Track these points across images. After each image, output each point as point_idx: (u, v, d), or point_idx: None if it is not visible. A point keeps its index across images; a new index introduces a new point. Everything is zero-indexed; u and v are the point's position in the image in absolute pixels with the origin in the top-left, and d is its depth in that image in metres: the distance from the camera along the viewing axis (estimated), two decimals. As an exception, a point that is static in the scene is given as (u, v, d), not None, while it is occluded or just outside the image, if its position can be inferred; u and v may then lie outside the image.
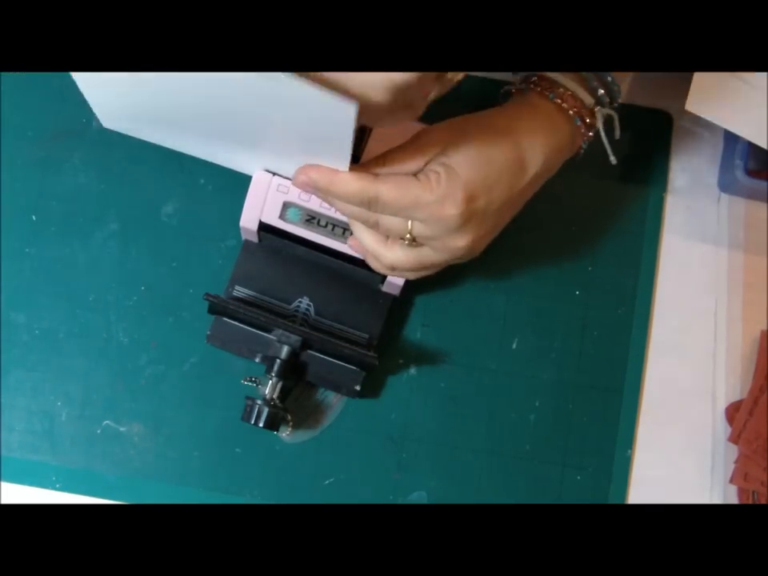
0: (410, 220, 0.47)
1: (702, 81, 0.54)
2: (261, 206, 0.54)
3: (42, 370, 0.60)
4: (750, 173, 0.59)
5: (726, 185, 0.63)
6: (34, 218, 0.62)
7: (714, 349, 0.62)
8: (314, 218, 0.54)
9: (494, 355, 0.61)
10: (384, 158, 0.48)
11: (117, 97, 0.46)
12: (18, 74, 0.63)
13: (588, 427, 0.60)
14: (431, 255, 0.50)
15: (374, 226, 0.49)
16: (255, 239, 0.57)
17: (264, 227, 0.55)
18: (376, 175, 0.46)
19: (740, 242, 0.63)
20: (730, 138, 0.61)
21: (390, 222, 0.48)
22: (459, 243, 0.48)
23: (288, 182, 0.53)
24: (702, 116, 0.55)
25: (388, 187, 0.46)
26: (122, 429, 0.60)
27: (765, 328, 0.62)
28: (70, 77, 0.54)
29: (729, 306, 0.62)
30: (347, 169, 0.46)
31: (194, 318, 0.60)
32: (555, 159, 0.50)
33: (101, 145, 0.62)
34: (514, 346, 0.61)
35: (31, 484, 0.59)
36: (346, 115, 0.39)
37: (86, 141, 0.62)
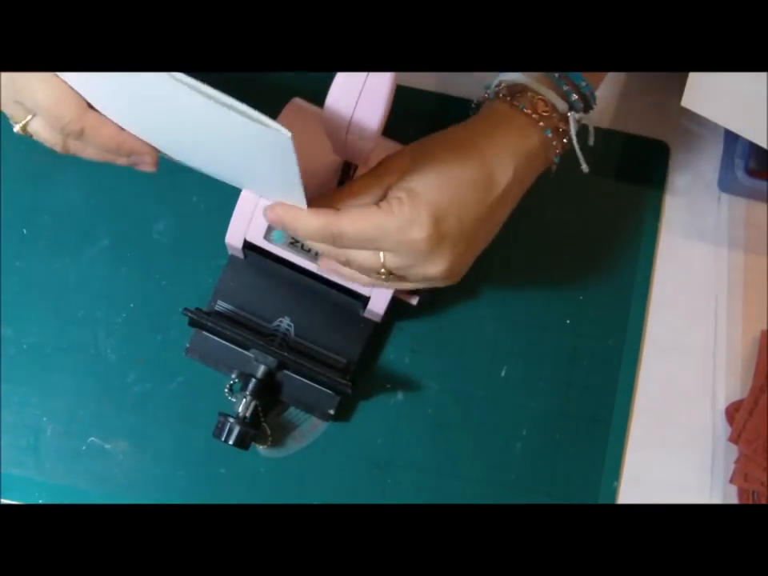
0: (380, 252, 0.46)
1: (697, 77, 0.53)
2: (246, 226, 0.54)
3: (28, 384, 0.60)
4: (750, 173, 0.59)
5: (726, 185, 0.63)
6: (24, 231, 0.61)
7: (713, 349, 0.62)
8: (298, 241, 0.54)
9: (482, 383, 0.61)
10: (343, 191, 0.46)
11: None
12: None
13: (575, 458, 0.60)
14: (409, 285, 0.49)
15: (346, 264, 0.48)
16: (241, 255, 0.57)
17: (249, 246, 0.55)
18: (337, 210, 0.45)
19: (740, 242, 0.63)
20: (730, 138, 0.61)
21: (361, 257, 0.46)
22: (435, 269, 0.46)
23: (286, 203, 0.53)
24: (698, 112, 0.54)
25: (350, 220, 0.44)
26: (107, 446, 0.60)
27: (765, 328, 0.61)
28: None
29: (729, 306, 0.62)
30: (304, 202, 0.45)
31: (183, 337, 0.59)
32: (527, 170, 0.49)
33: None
34: (503, 373, 0.61)
35: (14, 499, 0.59)
36: (283, 145, 0.38)
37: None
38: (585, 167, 0.50)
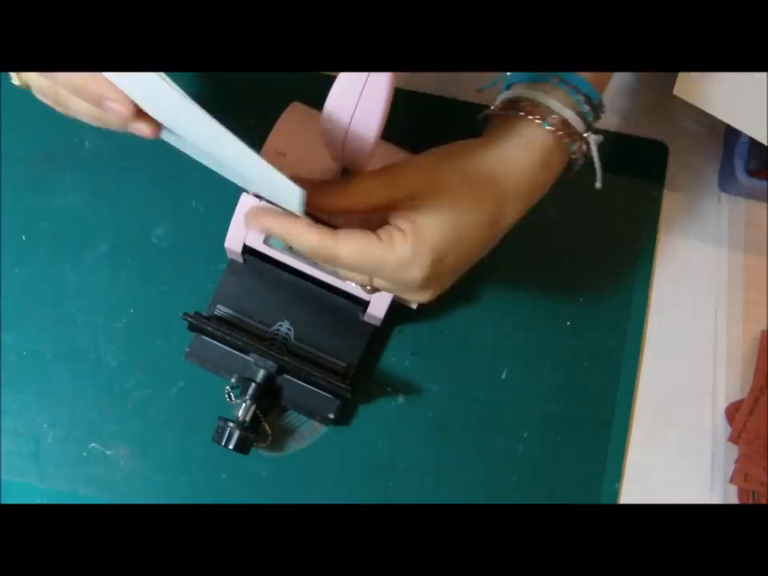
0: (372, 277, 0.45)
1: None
2: (245, 230, 0.54)
3: (29, 391, 0.60)
4: (750, 172, 0.59)
5: (726, 184, 0.63)
6: (24, 237, 0.61)
7: (714, 349, 0.61)
8: None
9: (483, 385, 0.61)
10: (348, 184, 0.44)
11: None
12: (8, 94, 0.62)
13: (576, 459, 0.60)
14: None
15: (333, 273, 0.48)
16: (240, 260, 0.57)
17: (248, 250, 0.55)
18: (334, 231, 0.43)
19: (740, 242, 0.63)
20: (731, 138, 0.61)
21: (351, 275, 0.46)
22: (422, 297, 0.47)
23: (274, 208, 0.53)
24: (691, 102, 0.53)
25: (348, 248, 0.42)
26: (108, 452, 0.59)
27: (765, 328, 0.61)
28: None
29: (729, 306, 0.62)
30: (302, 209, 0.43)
31: (183, 342, 0.59)
32: (538, 197, 0.48)
33: (92, 165, 0.62)
34: (503, 376, 0.61)
35: (16, 506, 0.59)
36: (295, 198, 0.39)
37: (78, 161, 0.62)
38: (599, 184, 0.50)
